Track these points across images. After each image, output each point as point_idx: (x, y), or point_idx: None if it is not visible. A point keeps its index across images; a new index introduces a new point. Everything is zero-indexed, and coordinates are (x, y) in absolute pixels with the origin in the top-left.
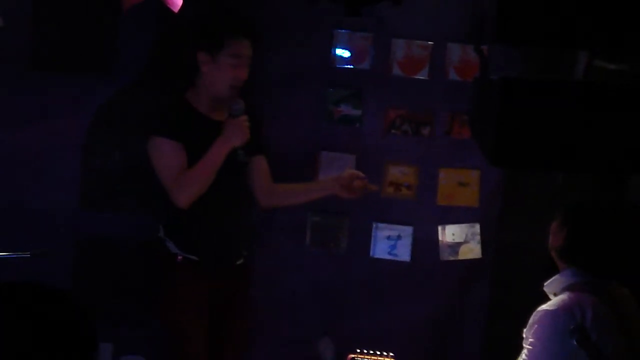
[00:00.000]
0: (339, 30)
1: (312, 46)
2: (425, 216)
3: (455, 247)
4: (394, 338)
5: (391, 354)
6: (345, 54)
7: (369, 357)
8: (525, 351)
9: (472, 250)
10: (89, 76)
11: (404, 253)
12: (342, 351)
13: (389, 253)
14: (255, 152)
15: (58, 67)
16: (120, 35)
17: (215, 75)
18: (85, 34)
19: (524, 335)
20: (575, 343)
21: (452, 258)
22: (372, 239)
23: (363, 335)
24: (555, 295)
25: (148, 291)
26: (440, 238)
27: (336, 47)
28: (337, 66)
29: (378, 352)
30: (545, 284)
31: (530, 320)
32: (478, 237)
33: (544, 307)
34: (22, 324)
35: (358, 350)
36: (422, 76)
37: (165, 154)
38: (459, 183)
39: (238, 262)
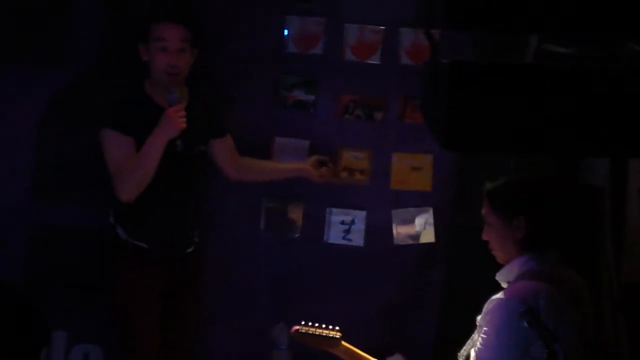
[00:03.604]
0: (291, 16)
1: (264, 32)
2: (379, 201)
3: (409, 231)
4: (349, 323)
5: (337, 327)
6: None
7: (314, 329)
8: (480, 340)
9: (426, 235)
10: (41, 66)
11: (357, 238)
12: None
13: (343, 238)
14: (214, 136)
15: (9, 57)
16: (72, 26)
17: (151, 64)
18: (37, 24)
19: (478, 324)
20: (526, 325)
21: (406, 242)
22: (326, 224)
23: (318, 321)
24: (509, 283)
25: (101, 279)
26: (394, 222)
27: (288, 32)
28: (290, 51)
29: (323, 325)
30: (497, 273)
31: (484, 309)
32: (431, 221)
33: (497, 296)
34: None
35: (303, 323)
36: (374, 61)
37: (111, 146)
38: (412, 167)
39: (189, 250)
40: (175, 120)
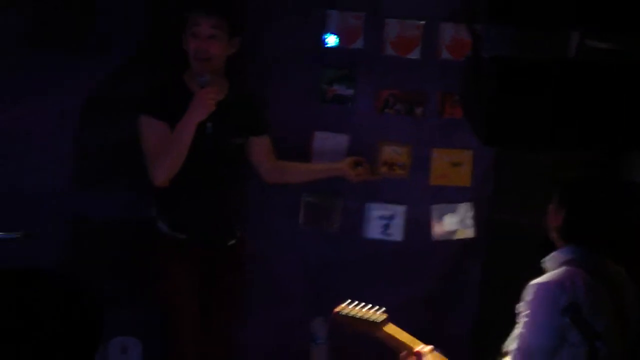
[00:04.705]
0: (332, 10)
1: (305, 26)
2: (418, 196)
3: (448, 226)
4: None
5: (383, 308)
6: (331, 39)
7: (357, 311)
8: (519, 324)
9: (465, 230)
10: (81, 55)
11: (396, 233)
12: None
13: (382, 233)
14: (253, 133)
15: (51, 45)
16: (113, 14)
17: (187, 52)
18: (80, 13)
19: (518, 311)
20: (568, 320)
21: (444, 238)
22: (365, 218)
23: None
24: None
25: (141, 271)
26: (433, 218)
27: (329, 27)
28: (330, 46)
29: (369, 306)
30: (543, 260)
31: (524, 294)
32: (471, 217)
33: (536, 280)
34: (18, 314)
35: (347, 302)
36: (414, 56)
37: (146, 131)
38: (452, 163)
39: (230, 243)
40: (204, 102)
